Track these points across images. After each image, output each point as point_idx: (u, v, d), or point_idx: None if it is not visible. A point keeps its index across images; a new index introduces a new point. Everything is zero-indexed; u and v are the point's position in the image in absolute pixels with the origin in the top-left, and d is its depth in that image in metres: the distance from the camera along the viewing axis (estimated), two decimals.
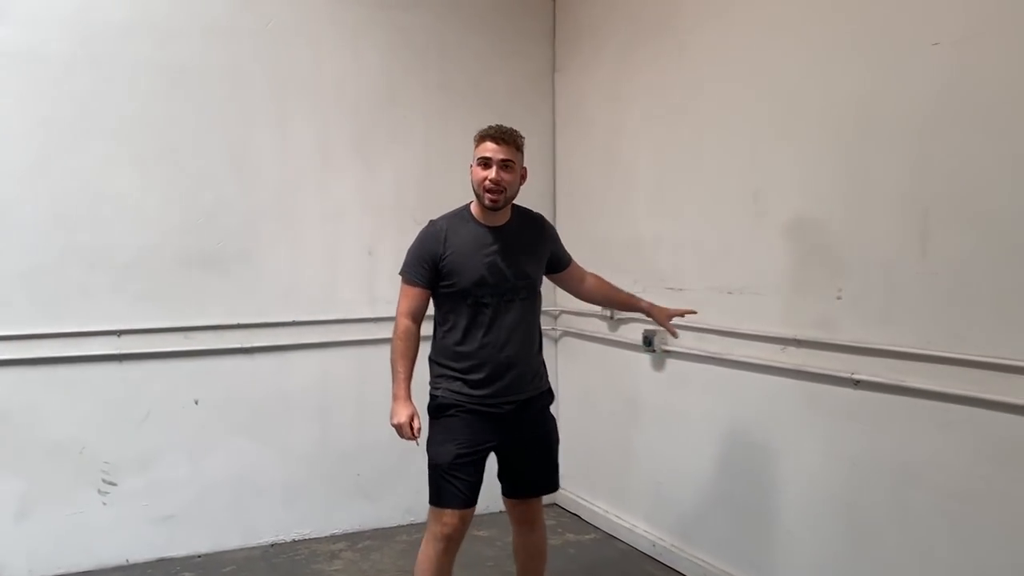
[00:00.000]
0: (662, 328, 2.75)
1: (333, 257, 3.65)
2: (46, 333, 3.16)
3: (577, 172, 3.93)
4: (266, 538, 3.56)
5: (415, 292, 2.43)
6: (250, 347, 3.49)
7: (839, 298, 2.52)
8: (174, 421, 3.38)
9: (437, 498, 2.42)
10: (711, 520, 3.11)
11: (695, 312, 2.74)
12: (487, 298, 2.38)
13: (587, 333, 3.84)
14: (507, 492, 2.56)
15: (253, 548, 3.51)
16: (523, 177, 2.44)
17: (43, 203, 3.14)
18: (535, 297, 2.51)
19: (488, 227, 2.42)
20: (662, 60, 3.28)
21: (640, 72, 3.42)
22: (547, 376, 2.58)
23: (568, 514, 3.97)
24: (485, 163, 2.35)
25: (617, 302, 2.83)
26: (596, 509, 3.81)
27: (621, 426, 3.62)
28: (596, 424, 3.82)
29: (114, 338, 3.26)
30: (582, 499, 3.92)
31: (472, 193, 2.41)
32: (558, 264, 2.64)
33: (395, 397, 2.43)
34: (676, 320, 2.71)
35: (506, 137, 2.36)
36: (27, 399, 3.15)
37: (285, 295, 3.55)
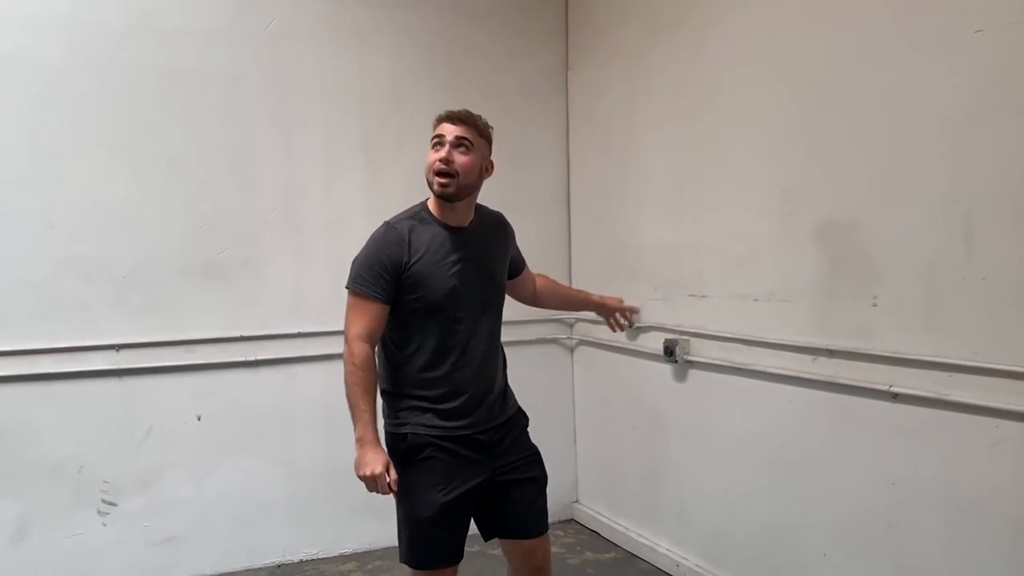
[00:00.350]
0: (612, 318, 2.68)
1: (339, 265, 3.46)
2: (42, 348, 3.07)
3: (592, 174, 3.78)
4: (272, 558, 3.45)
5: (374, 309, 2.07)
6: (254, 360, 3.39)
7: (875, 305, 2.36)
8: (176, 438, 3.28)
9: (419, 559, 2.09)
10: (739, 540, 2.95)
11: (637, 310, 2.80)
12: (460, 312, 2.08)
13: (604, 342, 3.69)
14: (507, 534, 2.22)
15: (259, 569, 3.41)
16: (487, 170, 2.14)
17: (38, 213, 3.05)
18: (502, 307, 2.26)
19: (451, 228, 2.13)
20: (680, 56, 3.13)
21: (657, 69, 3.27)
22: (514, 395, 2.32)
23: (587, 531, 3.82)
24: (438, 142, 2.07)
25: (568, 301, 2.69)
26: (616, 526, 3.66)
27: (642, 439, 3.47)
28: (615, 437, 3.67)
29: (113, 352, 3.17)
30: (601, 515, 3.78)
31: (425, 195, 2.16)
32: (515, 269, 2.36)
33: (361, 442, 2.03)
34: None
35: (464, 117, 2.08)
36: (23, 417, 3.06)
37: (290, 306, 3.44)
